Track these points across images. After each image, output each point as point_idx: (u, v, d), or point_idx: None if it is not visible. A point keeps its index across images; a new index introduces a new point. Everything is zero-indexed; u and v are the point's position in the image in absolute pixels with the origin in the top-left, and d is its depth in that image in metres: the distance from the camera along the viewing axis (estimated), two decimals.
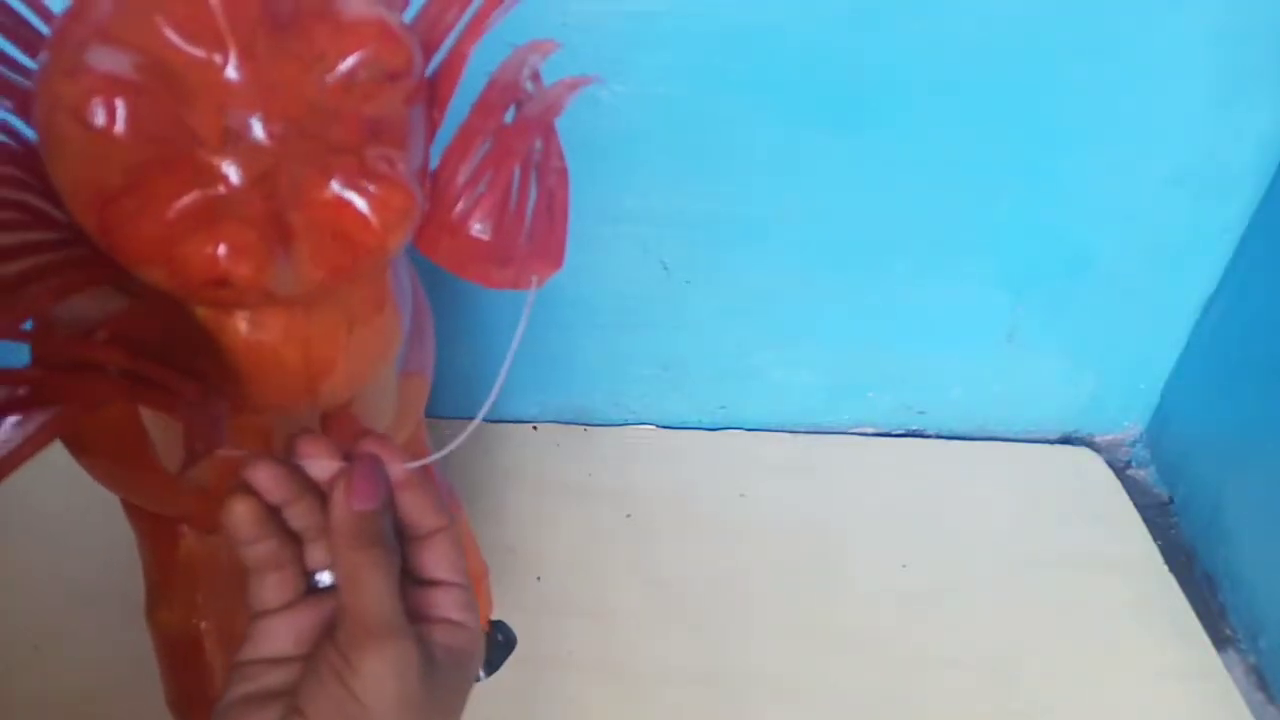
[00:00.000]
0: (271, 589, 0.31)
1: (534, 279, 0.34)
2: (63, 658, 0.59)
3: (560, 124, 0.36)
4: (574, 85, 0.35)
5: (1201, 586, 0.72)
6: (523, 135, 0.33)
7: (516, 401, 0.79)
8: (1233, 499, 0.71)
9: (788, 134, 0.64)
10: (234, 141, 0.26)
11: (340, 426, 0.37)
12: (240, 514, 0.29)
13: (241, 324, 0.31)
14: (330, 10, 0.26)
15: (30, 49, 0.31)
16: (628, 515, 0.72)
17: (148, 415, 0.34)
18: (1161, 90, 0.63)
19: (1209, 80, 0.62)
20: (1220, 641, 0.67)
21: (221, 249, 0.25)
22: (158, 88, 0.25)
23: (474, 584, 0.33)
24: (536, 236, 0.35)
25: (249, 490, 0.29)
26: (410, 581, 0.31)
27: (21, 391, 0.23)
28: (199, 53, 0.25)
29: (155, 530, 0.46)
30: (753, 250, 0.71)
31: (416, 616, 0.30)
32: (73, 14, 0.26)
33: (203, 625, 0.46)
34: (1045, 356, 0.78)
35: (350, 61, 0.27)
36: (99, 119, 0.24)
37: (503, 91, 0.34)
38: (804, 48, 0.60)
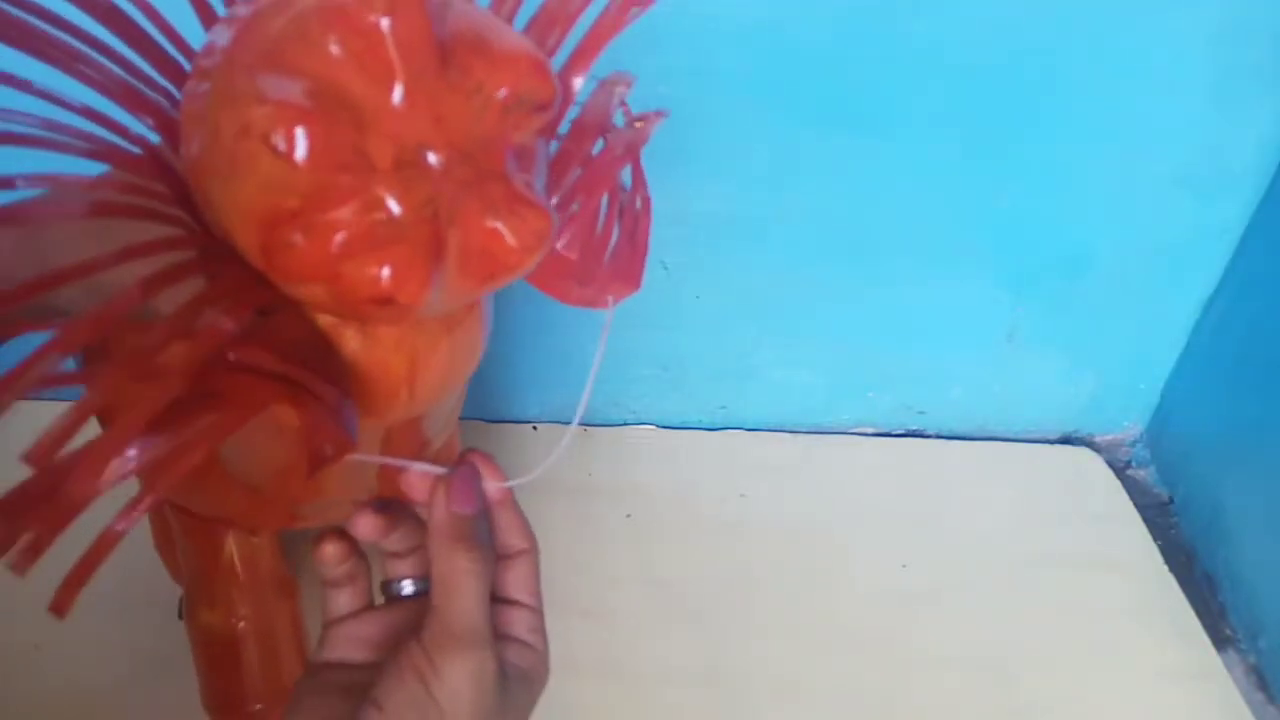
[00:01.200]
0: (345, 600, 0.34)
1: (610, 299, 0.37)
2: (63, 658, 0.59)
3: None
4: (657, 118, 0.37)
5: (1201, 586, 0.72)
6: (613, 164, 0.36)
7: (516, 401, 0.79)
8: (1233, 499, 0.71)
9: (788, 134, 0.64)
10: (404, 168, 0.27)
11: (406, 437, 0.39)
12: (330, 553, 0.33)
13: (356, 334, 0.32)
14: (485, 43, 0.28)
15: (160, 67, 0.32)
16: (628, 515, 0.72)
17: None
18: (1161, 90, 0.63)
19: (1209, 80, 0.62)
20: (1220, 641, 0.67)
21: (386, 271, 0.26)
22: (340, 116, 0.26)
23: None
24: (618, 259, 0.38)
25: (340, 533, 0.33)
26: (490, 598, 0.32)
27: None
28: (373, 82, 0.26)
29: (200, 531, 0.46)
30: (753, 250, 0.71)
31: (496, 633, 0.31)
32: (240, 39, 0.27)
33: (241, 626, 0.47)
34: (1045, 356, 0.78)
35: (505, 93, 0.28)
36: (289, 146, 0.25)
37: (594, 121, 0.36)
38: (804, 48, 0.60)
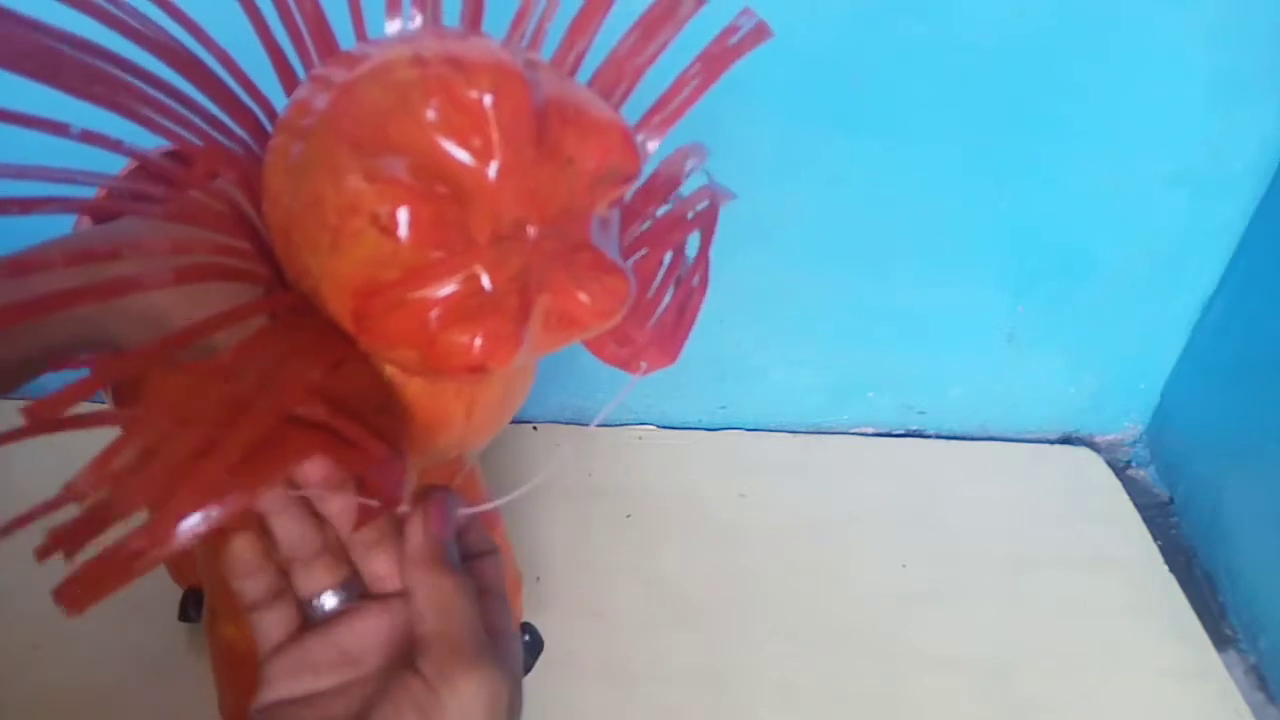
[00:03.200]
0: (275, 623, 0.30)
1: (643, 365, 0.37)
2: (63, 658, 0.59)
3: None
4: (728, 196, 0.38)
5: (1201, 586, 0.72)
6: (680, 227, 0.36)
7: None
8: (1233, 499, 0.71)
9: (789, 135, 0.64)
10: (500, 243, 0.27)
11: (449, 466, 0.39)
12: (240, 549, 0.30)
13: (419, 382, 0.32)
14: (576, 115, 0.28)
15: (239, 119, 0.32)
16: (628, 515, 0.72)
17: None
18: (1161, 90, 0.63)
19: (1209, 80, 0.62)
20: (1220, 641, 0.67)
21: (479, 340, 0.27)
22: (442, 194, 0.26)
23: (513, 593, 0.33)
24: (661, 328, 0.37)
25: (248, 526, 0.30)
26: None
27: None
28: (474, 158, 0.26)
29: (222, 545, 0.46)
30: (753, 250, 0.71)
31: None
32: (336, 109, 0.27)
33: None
34: (1045, 357, 0.78)
35: (594, 164, 0.28)
36: (394, 224, 0.25)
37: (664, 184, 0.37)
38: (806, 50, 0.60)
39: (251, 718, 0.30)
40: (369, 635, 0.30)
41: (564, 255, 0.28)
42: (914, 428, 0.83)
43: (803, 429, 0.81)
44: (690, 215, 0.37)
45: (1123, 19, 0.59)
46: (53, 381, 0.24)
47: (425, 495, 0.30)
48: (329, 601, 0.31)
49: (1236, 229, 0.70)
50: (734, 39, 0.35)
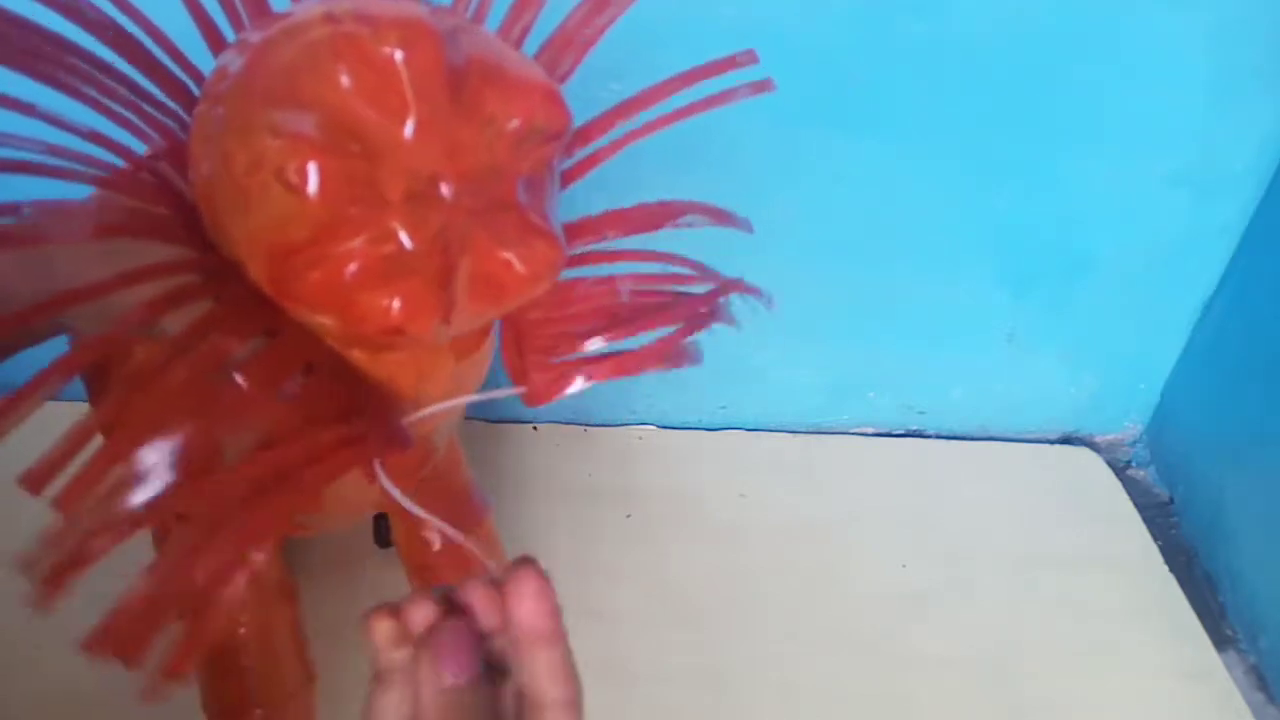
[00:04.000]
0: (393, 704, 0.27)
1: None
2: (63, 658, 0.59)
3: None
4: (728, 319, 0.37)
5: (1201, 586, 0.72)
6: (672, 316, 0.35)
7: (517, 402, 0.79)
8: (1233, 499, 0.71)
9: (788, 134, 0.64)
10: (415, 200, 0.26)
11: (414, 450, 0.38)
12: (383, 633, 0.27)
13: (359, 353, 0.31)
14: (498, 73, 0.27)
15: (168, 90, 0.31)
16: (628, 515, 0.72)
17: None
18: (1161, 90, 0.63)
19: (1209, 80, 0.62)
20: (1220, 641, 0.67)
21: (397, 302, 0.26)
22: (351, 149, 0.25)
23: None
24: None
25: (393, 609, 0.27)
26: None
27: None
28: (385, 115, 0.25)
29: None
30: (752, 250, 0.70)
31: None
32: (251, 65, 0.26)
33: (242, 631, 0.47)
34: (1045, 356, 0.78)
35: (517, 123, 0.27)
36: (302, 180, 0.25)
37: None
38: (805, 49, 0.60)
39: None
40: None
41: (487, 215, 0.27)
42: (914, 428, 0.83)
43: (803, 429, 0.81)
44: (702, 310, 0.36)
45: (1123, 19, 0.59)
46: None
47: (442, 627, 0.27)
48: None
49: (1236, 229, 0.70)
50: (734, 82, 0.35)
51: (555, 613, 0.28)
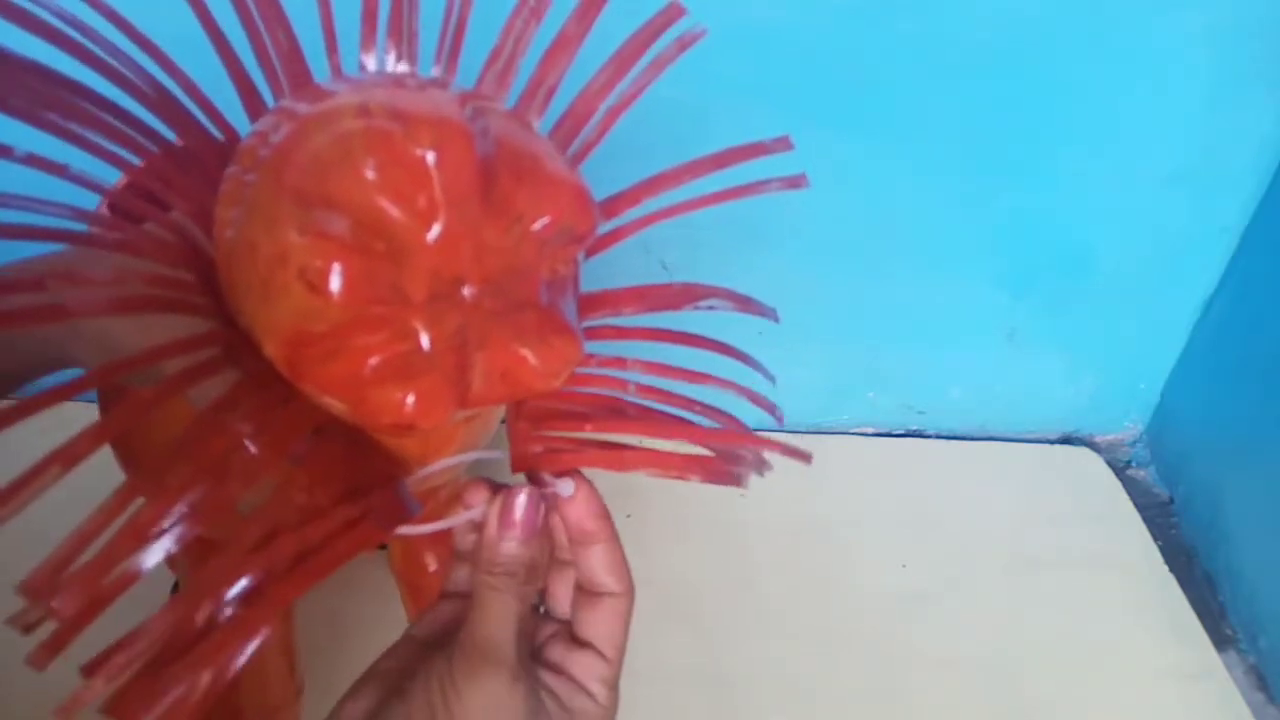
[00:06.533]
0: (464, 578, 0.33)
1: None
2: (63, 658, 0.59)
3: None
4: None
5: (1201, 586, 0.72)
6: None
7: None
8: (1233, 499, 0.71)
9: (785, 133, 0.64)
10: (437, 300, 0.26)
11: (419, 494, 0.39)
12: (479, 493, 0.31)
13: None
14: (528, 171, 0.27)
15: (202, 147, 0.31)
16: (628, 515, 0.72)
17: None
18: (1161, 90, 0.63)
19: (1209, 80, 0.62)
20: (1220, 641, 0.67)
21: (410, 399, 0.26)
22: (377, 250, 0.25)
23: None
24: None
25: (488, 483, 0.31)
26: (568, 639, 0.31)
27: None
28: (414, 217, 0.25)
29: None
30: (751, 250, 0.71)
31: (555, 668, 0.30)
32: (282, 154, 0.26)
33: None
34: (1045, 356, 0.78)
35: (544, 223, 0.27)
36: (325, 281, 0.24)
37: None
38: (804, 47, 0.60)
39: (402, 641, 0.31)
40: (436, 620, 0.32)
41: (506, 314, 0.27)
42: (914, 428, 0.83)
43: (803, 429, 0.81)
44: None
45: (1122, 18, 0.59)
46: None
47: (519, 488, 0.30)
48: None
49: (1236, 229, 0.70)
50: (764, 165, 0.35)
51: (606, 514, 0.31)
